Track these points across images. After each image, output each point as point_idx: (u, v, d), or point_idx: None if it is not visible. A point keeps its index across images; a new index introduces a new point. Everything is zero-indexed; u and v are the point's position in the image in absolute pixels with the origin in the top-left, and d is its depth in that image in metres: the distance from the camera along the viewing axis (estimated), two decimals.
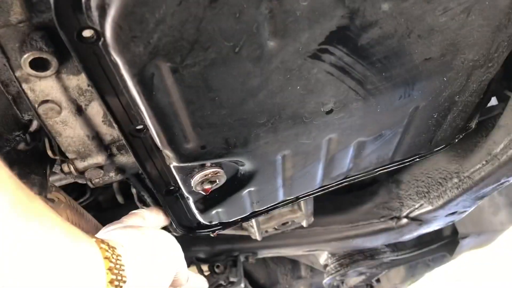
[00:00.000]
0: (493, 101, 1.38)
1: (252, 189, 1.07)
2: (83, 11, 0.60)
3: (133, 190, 1.26)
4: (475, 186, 1.41)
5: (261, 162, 0.96)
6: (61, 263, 0.62)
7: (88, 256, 0.68)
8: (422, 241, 2.19)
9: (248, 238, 1.81)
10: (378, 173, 1.24)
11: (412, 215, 1.75)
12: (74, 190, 1.52)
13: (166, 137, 0.79)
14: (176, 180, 0.96)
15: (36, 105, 0.80)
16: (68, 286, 0.63)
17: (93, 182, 1.01)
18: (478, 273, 4.74)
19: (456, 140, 1.23)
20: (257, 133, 0.85)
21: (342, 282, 2.43)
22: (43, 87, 0.79)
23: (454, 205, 1.56)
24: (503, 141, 1.25)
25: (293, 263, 2.63)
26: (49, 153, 0.95)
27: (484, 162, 1.33)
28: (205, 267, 2.04)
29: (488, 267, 4.67)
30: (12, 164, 0.95)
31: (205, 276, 1.99)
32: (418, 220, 1.76)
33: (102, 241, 0.74)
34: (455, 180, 1.46)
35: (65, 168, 0.96)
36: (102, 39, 0.62)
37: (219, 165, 0.93)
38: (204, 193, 0.98)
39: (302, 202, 1.59)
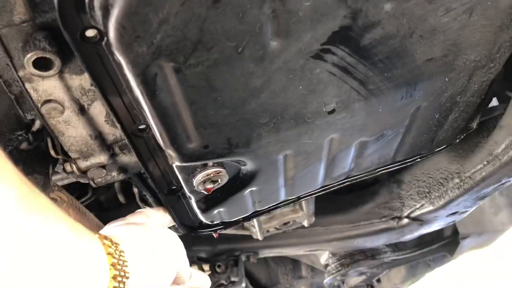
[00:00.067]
0: (494, 101, 1.39)
1: (254, 188, 1.07)
2: (86, 11, 0.60)
3: (135, 190, 1.26)
4: (476, 186, 1.41)
5: (263, 162, 0.96)
6: (65, 258, 0.62)
7: (91, 251, 0.68)
8: (423, 241, 2.19)
9: (249, 238, 1.81)
10: (380, 173, 1.24)
11: (413, 215, 1.75)
12: (76, 190, 1.53)
13: (169, 136, 0.79)
14: (178, 179, 0.96)
15: (39, 105, 0.80)
16: (71, 281, 0.63)
17: (95, 181, 1.01)
18: (479, 273, 4.74)
19: (457, 141, 1.24)
20: (259, 133, 0.85)
21: (343, 282, 2.44)
22: (46, 87, 0.79)
23: (455, 205, 1.56)
24: (504, 142, 1.25)
25: (294, 262, 2.63)
26: (52, 152, 0.95)
27: (485, 163, 1.33)
28: (206, 267, 2.04)
29: (489, 267, 4.67)
30: (14, 163, 0.95)
31: None
32: (419, 220, 1.76)
33: (105, 237, 0.74)
34: (456, 180, 1.46)
35: (68, 167, 0.97)
36: (105, 39, 0.63)
37: (221, 164, 0.93)
38: (206, 193, 0.98)
39: (303, 202, 1.59)
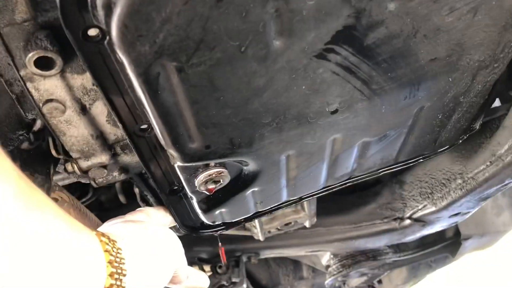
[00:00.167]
0: (497, 102, 1.38)
1: (255, 189, 1.06)
2: (88, 10, 0.60)
3: (136, 190, 1.25)
4: (479, 187, 1.40)
5: (265, 162, 0.96)
6: (62, 255, 0.62)
7: (89, 248, 0.68)
8: (425, 242, 2.19)
9: (250, 239, 1.81)
10: (382, 173, 1.24)
11: (415, 216, 1.75)
12: (77, 190, 1.52)
13: (171, 136, 0.79)
14: (180, 179, 0.96)
15: (41, 104, 0.80)
16: (68, 279, 0.63)
17: (96, 181, 1.01)
18: (480, 274, 4.73)
19: (460, 141, 1.23)
20: (262, 133, 0.85)
21: (344, 283, 2.43)
22: (48, 86, 0.79)
23: (457, 206, 1.56)
24: (507, 142, 1.25)
25: (295, 263, 2.63)
26: (53, 152, 0.95)
27: (488, 163, 1.33)
28: (207, 267, 2.04)
29: (490, 268, 4.66)
30: (15, 163, 0.95)
31: None
32: (421, 221, 1.76)
33: (103, 234, 0.74)
34: (459, 181, 1.46)
35: (69, 167, 0.96)
36: (107, 38, 0.62)
37: (223, 165, 0.92)
38: (207, 193, 0.98)
39: (305, 202, 1.59)
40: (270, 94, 0.76)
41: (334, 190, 1.25)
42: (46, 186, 1.01)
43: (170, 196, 1.06)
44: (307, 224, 1.71)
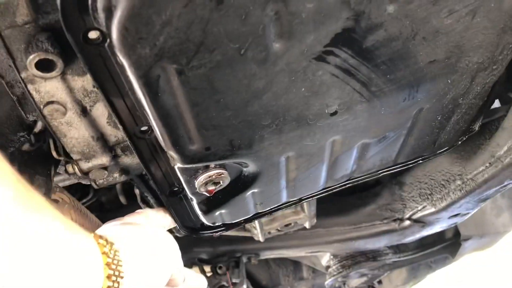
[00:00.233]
0: (496, 103, 1.38)
1: (255, 190, 1.07)
2: (89, 13, 0.60)
3: (137, 191, 1.26)
4: (478, 188, 1.40)
5: (265, 163, 0.96)
6: (60, 258, 0.62)
7: (87, 250, 0.68)
8: (425, 243, 2.19)
9: (250, 239, 1.81)
10: (382, 175, 1.24)
11: (414, 217, 1.75)
12: (77, 191, 1.53)
13: (171, 138, 0.79)
14: (180, 181, 0.96)
15: (41, 106, 0.80)
16: (66, 280, 0.63)
17: (97, 183, 1.01)
18: (480, 275, 4.73)
19: (460, 142, 1.23)
20: (262, 134, 0.85)
21: (344, 284, 2.43)
22: (49, 88, 0.79)
23: (457, 207, 1.56)
24: (506, 144, 1.25)
25: (295, 264, 2.63)
26: (54, 154, 0.95)
27: (487, 165, 1.33)
28: (207, 268, 2.04)
29: (490, 269, 4.66)
30: (16, 164, 0.96)
31: (207, 277, 1.99)
32: (420, 222, 1.76)
33: (100, 237, 0.74)
34: (458, 182, 1.46)
35: (70, 169, 0.97)
36: (108, 40, 0.63)
37: (223, 166, 0.93)
38: (208, 194, 0.98)
39: (305, 203, 1.59)
40: (269, 96, 0.77)
41: (333, 191, 1.25)
42: (47, 187, 1.01)
43: (170, 198, 1.06)
44: (307, 225, 1.71)
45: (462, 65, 0.89)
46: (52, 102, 0.81)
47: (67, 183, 1.23)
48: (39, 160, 1.01)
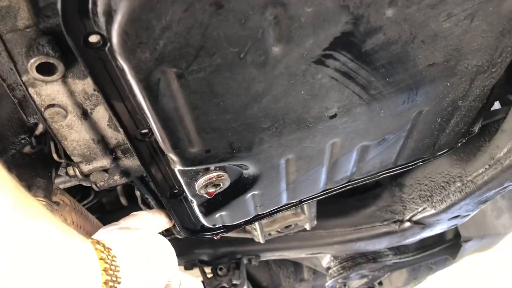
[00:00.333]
0: (496, 105, 1.39)
1: (255, 192, 1.07)
2: (90, 17, 0.61)
3: (137, 193, 1.26)
4: (478, 190, 1.40)
5: (265, 166, 0.96)
6: (58, 263, 0.63)
7: (84, 256, 0.69)
8: (425, 244, 2.19)
9: (251, 241, 1.81)
10: (381, 177, 1.24)
11: (415, 218, 1.75)
12: (78, 192, 1.53)
13: (171, 141, 0.80)
14: (180, 183, 0.96)
15: (42, 109, 0.81)
16: (63, 286, 0.63)
17: (98, 185, 1.01)
18: (481, 276, 4.72)
19: (459, 144, 1.24)
20: (261, 137, 0.85)
21: (345, 285, 2.43)
22: (49, 91, 0.80)
23: (457, 209, 1.56)
24: (506, 146, 1.25)
25: (296, 265, 2.63)
26: (55, 156, 0.96)
27: (487, 167, 1.33)
28: (208, 270, 2.04)
29: (490, 270, 4.65)
30: (17, 167, 0.96)
31: (208, 278, 1.99)
32: (421, 224, 1.76)
33: (98, 242, 0.75)
34: (458, 184, 1.46)
35: (70, 171, 0.97)
36: (108, 44, 0.63)
37: (223, 168, 0.93)
38: (208, 197, 0.98)
39: (305, 205, 1.59)
40: (269, 99, 0.77)
41: (334, 193, 1.25)
42: (48, 189, 1.02)
43: (170, 200, 1.06)
44: (307, 226, 1.71)
45: (461, 68, 0.89)
46: (53, 105, 0.81)
47: (68, 185, 1.23)
48: (40, 162, 1.01)
